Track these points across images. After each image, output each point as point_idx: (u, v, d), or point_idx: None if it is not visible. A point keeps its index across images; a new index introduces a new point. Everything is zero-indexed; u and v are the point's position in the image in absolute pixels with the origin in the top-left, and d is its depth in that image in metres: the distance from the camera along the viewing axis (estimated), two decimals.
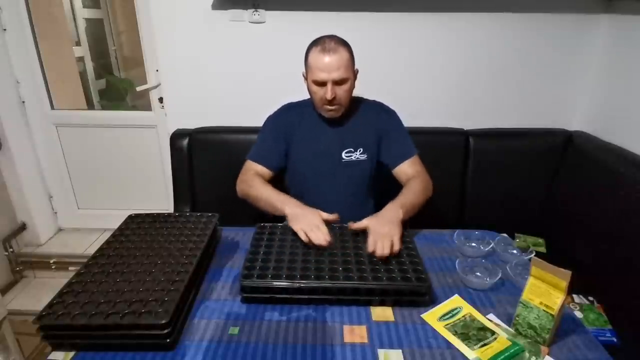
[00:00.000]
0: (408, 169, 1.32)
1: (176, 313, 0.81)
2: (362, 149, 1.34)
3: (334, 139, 1.34)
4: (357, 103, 1.39)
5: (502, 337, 0.83)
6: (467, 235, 1.18)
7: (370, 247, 1.01)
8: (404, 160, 1.33)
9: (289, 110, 1.43)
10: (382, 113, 1.39)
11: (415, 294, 0.92)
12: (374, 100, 1.43)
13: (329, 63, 1.18)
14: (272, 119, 1.43)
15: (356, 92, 1.33)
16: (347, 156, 1.34)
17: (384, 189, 1.35)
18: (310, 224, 1.06)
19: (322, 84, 1.21)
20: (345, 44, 1.24)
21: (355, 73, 1.28)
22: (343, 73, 1.20)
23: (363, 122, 1.36)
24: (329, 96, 1.21)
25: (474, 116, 1.79)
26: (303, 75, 1.32)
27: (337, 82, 1.21)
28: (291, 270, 0.94)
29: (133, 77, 3.28)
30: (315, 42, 1.24)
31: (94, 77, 3.00)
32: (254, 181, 1.29)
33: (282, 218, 1.53)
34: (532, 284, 0.83)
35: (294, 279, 0.92)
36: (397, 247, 1.01)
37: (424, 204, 1.24)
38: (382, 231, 1.04)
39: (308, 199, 1.39)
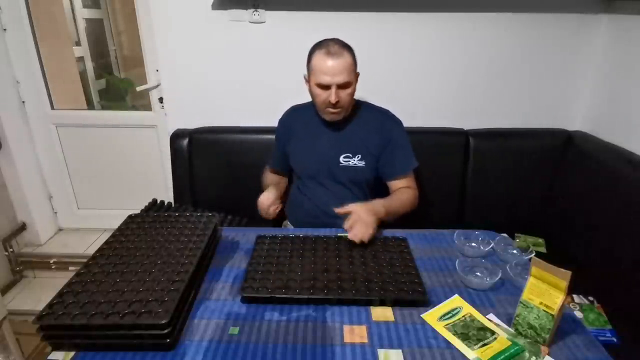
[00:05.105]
0: (401, 183, 1.35)
1: (176, 313, 0.80)
2: (360, 156, 1.33)
3: (331, 143, 1.34)
4: (361, 108, 1.37)
5: (502, 337, 0.83)
6: (467, 235, 1.17)
7: (346, 225, 1.09)
8: (401, 177, 1.35)
9: (292, 113, 1.45)
10: (388, 122, 1.36)
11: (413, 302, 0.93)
12: (380, 107, 1.40)
13: (333, 67, 1.18)
14: (279, 122, 1.47)
15: (357, 93, 1.33)
16: (344, 161, 1.33)
17: (382, 195, 1.34)
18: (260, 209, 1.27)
19: (325, 87, 1.21)
20: (348, 47, 1.23)
21: (356, 76, 1.27)
22: (347, 77, 1.20)
23: (366, 129, 1.34)
24: (332, 99, 1.20)
25: (474, 116, 1.79)
26: (305, 78, 1.31)
27: (341, 86, 1.21)
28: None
29: (133, 77, 3.27)
30: (318, 45, 1.23)
31: (94, 77, 3.00)
32: (266, 179, 1.51)
33: (281, 221, 1.53)
34: (532, 284, 0.83)
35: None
36: (367, 239, 1.09)
37: (403, 214, 1.30)
38: (365, 219, 1.10)
39: (306, 200, 1.40)
